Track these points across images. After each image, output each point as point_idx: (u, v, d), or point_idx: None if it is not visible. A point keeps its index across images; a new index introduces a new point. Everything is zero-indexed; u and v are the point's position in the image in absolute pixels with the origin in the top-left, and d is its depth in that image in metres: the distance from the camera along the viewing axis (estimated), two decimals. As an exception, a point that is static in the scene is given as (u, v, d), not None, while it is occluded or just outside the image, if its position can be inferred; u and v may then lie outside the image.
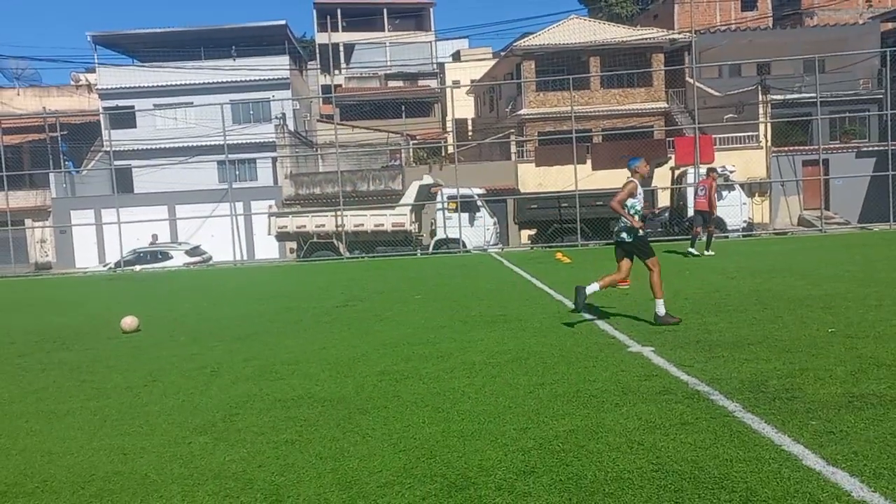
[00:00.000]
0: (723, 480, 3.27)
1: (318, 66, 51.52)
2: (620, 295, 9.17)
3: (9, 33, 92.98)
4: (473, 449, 3.86)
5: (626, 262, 7.10)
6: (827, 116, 27.25)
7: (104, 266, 24.96)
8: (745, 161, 27.20)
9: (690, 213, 19.14)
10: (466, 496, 3.29)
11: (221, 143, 21.96)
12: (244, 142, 32.24)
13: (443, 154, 34.28)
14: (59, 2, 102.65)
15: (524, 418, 4.33)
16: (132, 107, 34.24)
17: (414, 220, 21.56)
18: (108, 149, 28.62)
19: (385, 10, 53.68)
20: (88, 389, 5.85)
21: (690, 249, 13.90)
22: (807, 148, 28.63)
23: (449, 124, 36.88)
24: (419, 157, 34.74)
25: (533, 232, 22.41)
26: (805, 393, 4.47)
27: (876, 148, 27.67)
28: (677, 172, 21.68)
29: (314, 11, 53.69)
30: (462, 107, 39.17)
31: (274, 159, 33.48)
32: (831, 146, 28.75)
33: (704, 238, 14.07)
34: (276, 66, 35.81)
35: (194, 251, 23.64)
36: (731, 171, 21.73)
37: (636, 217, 6.91)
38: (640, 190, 7.02)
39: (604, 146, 27.51)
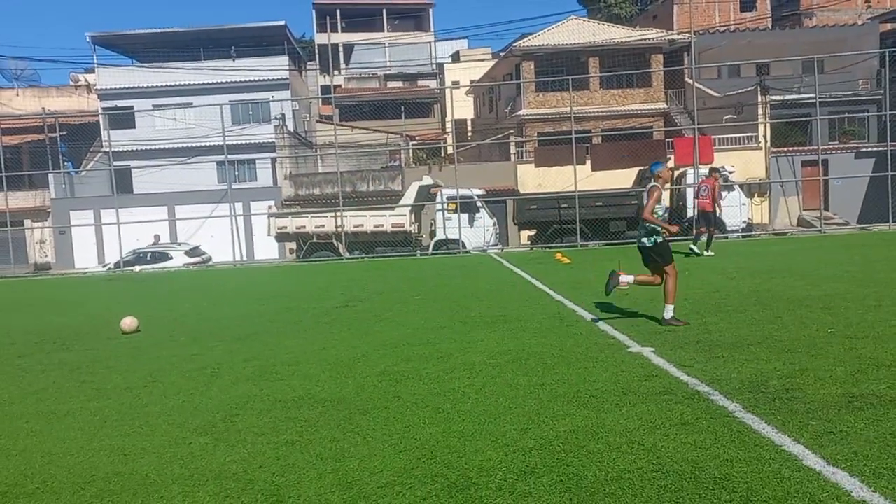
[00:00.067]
0: (723, 480, 3.27)
1: (318, 67, 51.52)
2: (620, 295, 9.17)
3: (8, 33, 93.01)
4: (474, 449, 3.86)
5: (657, 270, 7.15)
6: (826, 117, 27.26)
7: (103, 266, 24.95)
8: (744, 161, 27.21)
9: (689, 213, 19.17)
10: (467, 496, 3.29)
11: (221, 143, 21.96)
12: (243, 142, 32.24)
13: (442, 155, 34.28)
14: (59, 2, 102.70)
15: (524, 419, 4.33)
16: (131, 107, 34.24)
17: (413, 220, 21.56)
18: (108, 149, 28.60)
19: (384, 11, 53.67)
20: (88, 390, 5.85)
21: (692, 247, 13.92)
22: (806, 148, 28.64)
23: (448, 125, 36.90)
24: (419, 158, 34.74)
25: (532, 232, 22.42)
26: (805, 393, 4.48)
27: (875, 148, 27.69)
28: (677, 173, 21.68)
29: (313, 12, 53.68)
30: (461, 107, 39.18)
31: (273, 160, 33.47)
32: (830, 147, 28.76)
33: (705, 238, 14.10)
34: (276, 66, 35.81)
35: (194, 252, 23.62)
36: (731, 172, 21.75)
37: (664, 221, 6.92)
38: (663, 194, 7.11)
39: (603, 147, 27.52)
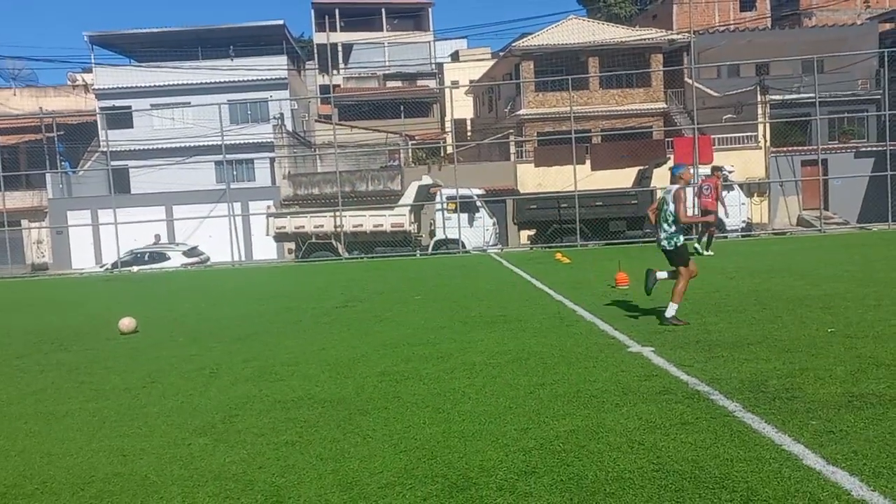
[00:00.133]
0: (723, 480, 3.27)
1: (317, 66, 51.48)
2: (620, 295, 9.18)
3: (5, 33, 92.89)
4: (474, 449, 3.85)
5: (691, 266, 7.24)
6: (826, 117, 27.27)
7: (101, 267, 24.93)
8: (743, 161, 27.22)
9: (690, 212, 19.14)
10: (468, 497, 3.28)
11: (219, 143, 21.94)
12: (242, 142, 32.22)
13: (442, 154, 34.27)
14: (56, 2, 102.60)
15: (525, 419, 4.33)
16: (129, 107, 34.19)
17: (413, 220, 21.55)
18: (105, 149, 28.56)
19: (383, 10, 53.63)
20: (87, 391, 5.84)
21: (696, 246, 13.90)
22: (805, 148, 28.66)
23: (448, 124, 36.89)
24: (418, 158, 34.73)
25: (532, 232, 22.41)
26: (805, 393, 4.47)
27: (874, 148, 27.71)
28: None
29: (312, 11, 53.62)
30: (461, 107, 39.16)
31: (272, 160, 33.45)
32: (830, 146, 28.78)
33: (705, 238, 14.12)
34: (274, 66, 35.78)
35: (192, 252, 23.60)
36: (730, 172, 21.75)
37: (677, 219, 6.96)
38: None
39: (603, 146, 27.50)
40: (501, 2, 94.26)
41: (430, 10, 54.85)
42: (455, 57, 51.23)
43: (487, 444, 3.92)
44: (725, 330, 6.56)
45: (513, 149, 32.01)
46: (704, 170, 18.36)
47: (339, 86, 49.44)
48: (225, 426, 4.60)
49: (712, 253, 13.80)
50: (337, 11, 52.90)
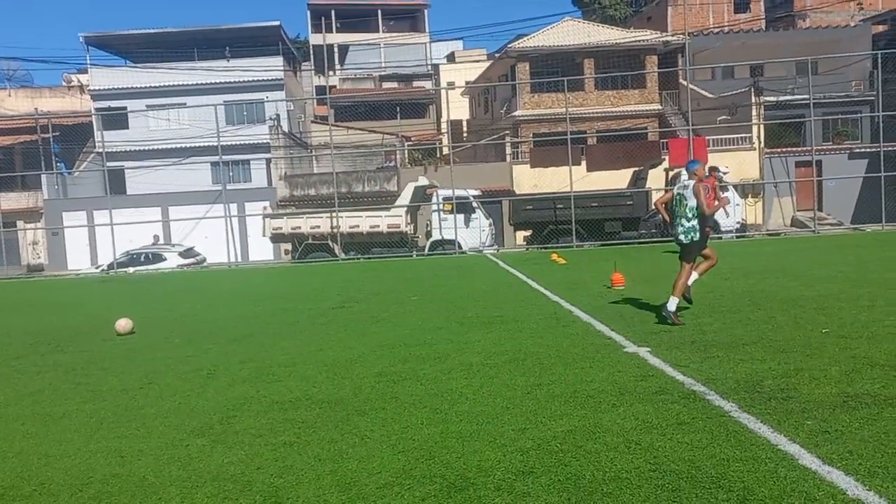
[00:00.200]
0: (720, 480, 3.29)
1: (313, 68, 51.45)
2: (616, 296, 9.21)
3: (0, 34, 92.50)
4: (472, 450, 3.87)
5: (706, 251, 7.43)
6: (819, 118, 27.40)
7: (97, 268, 24.86)
8: (738, 162, 27.31)
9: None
10: (466, 497, 3.30)
11: (215, 144, 21.91)
12: (238, 143, 32.18)
13: (438, 155, 34.29)
14: (52, 2, 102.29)
15: (522, 419, 4.35)
16: (125, 108, 34.12)
17: (409, 221, 21.57)
18: (101, 150, 28.50)
19: (379, 12, 53.65)
20: (84, 392, 5.84)
21: None
22: (800, 149, 28.77)
23: (444, 125, 36.90)
24: (414, 159, 34.75)
25: (528, 233, 22.46)
26: (800, 393, 4.50)
27: (868, 149, 27.82)
28: (671, 174, 21.76)
29: (308, 12, 53.62)
30: (457, 108, 39.20)
31: (268, 160, 33.42)
32: (824, 147, 28.90)
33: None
34: (270, 67, 35.75)
35: (188, 253, 23.57)
36: (725, 173, 21.79)
37: (695, 214, 7.13)
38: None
39: (598, 148, 27.58)
40: (497, 3, 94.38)
41: (426, 11, 54.91)
42: (451, 58, 51.26)
43: (485, 445, 3.93)
44: (720, 330, 6.59)
45: (509, 150, 32.05)
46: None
47: (335, 87, 49.42)
48: (223, 427, 4.60)
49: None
50: (333, 13, 52.90)
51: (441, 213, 20.93)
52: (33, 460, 4.20)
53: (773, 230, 25.35)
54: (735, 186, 23.11)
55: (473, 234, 21.05)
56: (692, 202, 7.04)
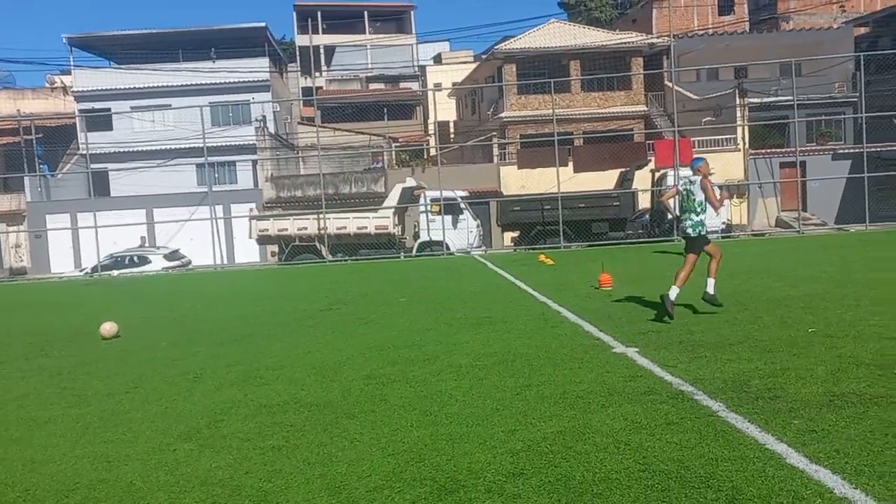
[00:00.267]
0: (709, 479, 3.31)
1: (299, 69, 51.27)
2: (604, 296, 9.24)
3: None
4: (462, 452, 3.86)
5: (709, 247, 7.61)
6: (803, 119, 27.65)
7: (80, 271, 24.62)
8: (723, 163, 27.51)
9: (670, 215, 19.31)
10: (456, 499, 3.29)
11: (200, 145, 21.77)
12: (224, 144, 31.99)
13: (425, 156, 34.30)
14: (34, 3, 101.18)
15: (512, 420, 4.35)
16: (109, 109, 33.82)
17: (397, 222, 21.53)
18: (85, 152, 28.24)
19: (366, 13, 53.58)
20: (69, 396, 5.77)
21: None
22: (784, 150, 29.06)
23: (431, 127, 36.90)
24: (401, 160, 34.73)
25: (516, 234, 22.50)
26: (787, 392, 4.53)
27: (851, 150, 28.17)
28: (657, 175, 21.88)
29: (294, 13, 53.44)
30: (444, 109, 39.21)
31: (254, 162, 33.27)
32: (808, 148, 29.21)
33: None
34: (256, 68, 35.60)
35: (173, 255, 23.40)
36: (710, 174, 21.94)
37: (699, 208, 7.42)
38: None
39: (585, 149, 27.71)
40: (483, 5, 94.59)
41: (412, 12, 54.89)
42: (438, 59, 51.29)
43: (475, 447, 3.93)
44: (707, 330, 6.63)
45: (496, 151, 32.12)
46: (685, 171, 18.52)
47: (321, 88, 49.28)
48: (210, 431, 4.57)
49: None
50: (319, 14, 52.74)
51: (429, 214, 20.92)
52: (17, 466, 4.15)
53: (758, 230, 25.57)
54: (720, 187, 23.27)
55: (461, 235, 21.06)
56: (700, 196, 7.38)
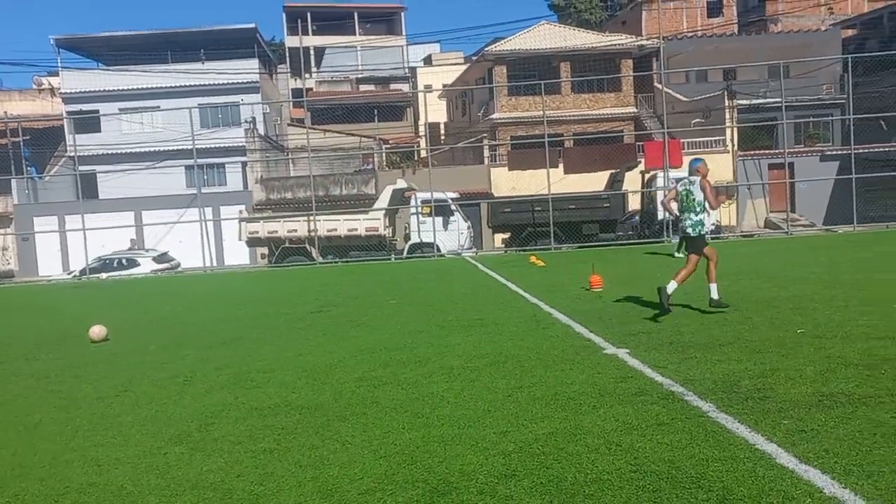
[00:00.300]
0: (699, 480, 3.32)
1: (289, 70, 51.15)
2: (594, 298, 9.27)
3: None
4: (454, 454, 3.86)
5: (706, 249, 7.66)
6: (792, 121, 27.85)
7: (69, 274, 24.44)
8: (712, 165, 27.57)
9: (660, 216, 19.42)
10: (448, 501, 3.29)
11: (190, 147, 21.67)
12: (213, 146, 31.85)
13: (416, 158, 34.28)
14: (21, 4, 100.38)
15: (503, 422, 4.35)
16: (97, 111, 33.59)
17: (388, 224, 21.51)
18: (73, 154, 28.04)
19: (356, 14, 53.52)
20: (58, 400, 5.73)
21: (677, 254, 13.91)
22: (772, 152, 29.26)
23: (421, 128, 36.90)
24: (392, 162, 34.70)
25: (507, 235, 22.53)
26: (776, 393, 4.56)
27: (839, 152, 28.37)
28: (647, 176, 21.98)
29: (284, 15, 53.31)
30: (434, 111, 39.25)
31: (244, 164, 33.14)
32: (796, 150, 29.41)
33: (677, 240, 14.27)
34: (246, 69, 35.47)
35: (162, 258, 23.27)
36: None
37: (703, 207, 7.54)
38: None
39: (575, 150, 27.80)
40: (474, 7, 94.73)
41: (402, 14, 54.86)
42: (428, 61, 51.30)
43: (467, 448, 3.93)
44: (697, 331, 6.66)
45: (486, 152, 32.16)
46: (674, 173, 18.62)
47: (311, 89, 49.17)
48: (201, 434, 4.55)
49: (683, 255, 13.92)
50: (309, 15, 52.64)
51: (419, 215, 20.92)
52: (6, 471, 4.11)
53: (747, 231, 25.72)
54: (720, 188, 23.38)
55: (452, 236, 21.06)
56: (699, 196, 7.51)
